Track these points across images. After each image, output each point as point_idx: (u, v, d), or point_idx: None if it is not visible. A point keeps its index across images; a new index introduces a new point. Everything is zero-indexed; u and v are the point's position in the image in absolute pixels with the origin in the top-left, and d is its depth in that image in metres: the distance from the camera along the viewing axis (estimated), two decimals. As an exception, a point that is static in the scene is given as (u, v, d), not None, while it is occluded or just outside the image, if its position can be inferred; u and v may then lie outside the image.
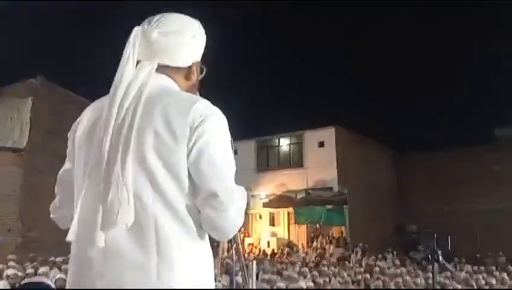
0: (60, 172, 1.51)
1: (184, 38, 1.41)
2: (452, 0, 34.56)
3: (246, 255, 17.51)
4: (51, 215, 1.56)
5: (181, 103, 1.29)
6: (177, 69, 1.43)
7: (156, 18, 1.42)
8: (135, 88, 1.30)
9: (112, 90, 1.32)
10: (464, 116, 31.93)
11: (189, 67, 1.46)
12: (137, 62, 1.37)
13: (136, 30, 1.38)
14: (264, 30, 41.24)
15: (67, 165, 1.48)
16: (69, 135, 1.48)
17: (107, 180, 1.23)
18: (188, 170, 1.26)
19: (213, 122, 1.29)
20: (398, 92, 35.89)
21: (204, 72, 1.55)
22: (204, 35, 1.50)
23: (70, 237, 1.27)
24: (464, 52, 36.46)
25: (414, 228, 22.81)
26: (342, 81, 37.13)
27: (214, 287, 1.33)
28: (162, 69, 1.39)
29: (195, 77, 1.49)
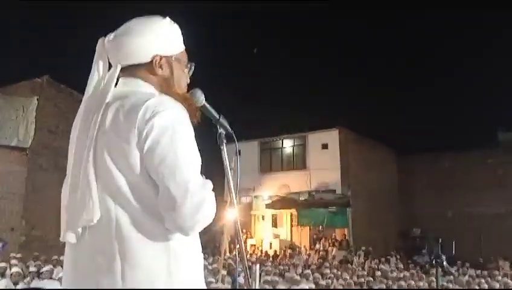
0: None
1: (133, 35, 1.43)
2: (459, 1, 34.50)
3: (248, 256, 17.49)
4: None
5: (132, 103, 1.32)
6: (141, 66, 1.45)
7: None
8: (98, 94, 1.40)
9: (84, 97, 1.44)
10: (468, 120, 31.80)
11: (151, 62, 1.45)
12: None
13: (99, 40, 1.47)
14: (267, 30, 41.25)
15: None
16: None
17: (74, 183, 1.33)
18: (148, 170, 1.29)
19: (164, 118, 1.28)
20: (402, 95, 35.81)
21: (192, 68, 1.56)
22: (169, 29, 1.49)
23: (61, 237, 1.37)
24: (468, 55, 36.37)
25: (418, 232, 22.72)
26: (345, 83, 37.08)
27: (187, 285, 1.31)
28: (129, 70, 1.45)
29: (166, 71, 1.48)
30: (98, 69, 1.44)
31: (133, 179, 1.28)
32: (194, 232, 1.31)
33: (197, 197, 1.25)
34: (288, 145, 23.13)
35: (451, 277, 9.87)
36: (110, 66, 1.47)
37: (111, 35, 1.45)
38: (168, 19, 1.50)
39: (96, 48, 1.46)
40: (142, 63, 1.45)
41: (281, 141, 23.20)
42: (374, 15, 38.54)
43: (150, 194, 1.29)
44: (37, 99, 14.92)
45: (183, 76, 1.54)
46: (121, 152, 1.28)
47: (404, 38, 38.83)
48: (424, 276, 12.13)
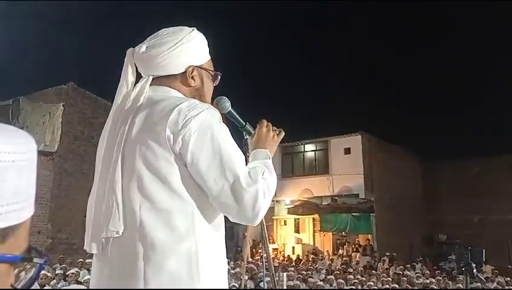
0: None
1: (166, 46, 1.44)
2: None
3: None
4: None
5: (164, 108, 1.32)
6: (173, 77, 1.47)
7: (149, 36, 1.49)
8: (128, 104, 1.39)
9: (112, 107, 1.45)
10: (494, 125, 31.05)
11: (184, 73, 1.47)
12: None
13: (128, 51, 1.47)
14: (292, 35, 41.22)
15: None
16: None
17: (100, 191, 1.34)
18: (182, 172, 1.29)
19: (199, 121, 1.29)
20: (425, 100, 35.27)
21: (218, 77, 1.57)
22: (198, 39, 1.51)
23: (85, 245, 1.39)
24: (494, 59, 35.57)
25: (444, 238, 22.31)
26: (369, 87, 36.73)
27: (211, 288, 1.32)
28: (160, 80, 1.46)
29: (197, 81, 1.50)
30: (126, 80, 1.45)
31: (162, 183, 1.28)
32: (259, 221, 1.35)
33: (252, 192, 1.28)
34: (310, 149, 23.00)
35: (479, 284, 9.63)
36: (138, 75, 1.48)
37: (142, 47, 1.45)
38: (195, 29, 1.52)
39: (126, 58, 1.47)
40: (174, 74, 1.47)
41: (302, 146, 23.09)
42: (396, 21, 38.14)
43: (177, 198, 1.29)
44: (63, 105, 15.24)
45: (210, 85, 1.56)
46: (152, 157, 1.28)
47: (431, 44, 38.28)
48: (450, 283, 11.88)
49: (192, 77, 1.48)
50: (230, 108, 1.60)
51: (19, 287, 0.61)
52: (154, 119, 1.31)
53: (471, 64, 34.86)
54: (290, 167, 23.04)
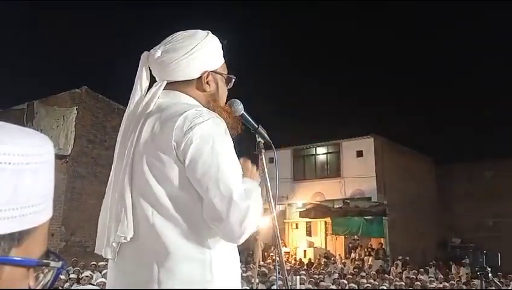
0: None
1: (183, 52, 1.42)
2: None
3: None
4: None
5: (171, 115, 1.32)
6: (188, 82, 1.46)
7: (165, 40, 1.47)
8: (139, 109, 1.40)
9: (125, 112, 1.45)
10: (508, 127, 30.65)
11: (200, 78, 1.47)
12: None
13: (143, 54, 1.46)
14: (301, 37, 41.20)
15: None
16: None
17: (111, 196, 1.35)
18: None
19: (203, 129, 1.27)
20: (438, 101, 34.95)
21: (232, 81, 1.56)
22: (213, 44, 1.50)
23: (96, 249, 1.40)
24: (508, 59, 35.14)
25: (457, 241, 22.04)
26: (380, 89, 36.53)
27: None
28: (174, 85, 1.45)
29: (212, 86, 1.49)
30: (140, 85, 1.44)
31: (171, 189, 1.29)
32: (242, 240, 1.31)
33: (242, 207, 1.24)
34: (321, 152, 22.90)
35: (494, 288, 9.49)
36: (152, 78, 1.48)
37: (158, 52, 1.43)
38: (209, 33, 1.51)
39: (140, 62, 1.46)
40: (189, 79, 1.46)
41: (314, 149, 23.00)
42: (408, 22, 37.92)
43: (188, 203, 1.29)
44: (76, 109, 15.41)
45: (225, 89, 1.55)
46: (158, 163, 1.29)
47: (441, 45, 37.97)
48: (464, 287, 11.72)
49: (207, 82, 1.47)
50: (242, 111, 1.60)
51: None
52: (161, 126, 1.31)
53: (486, 67, 34.47)
54: (301, 170, 22.96)
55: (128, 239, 1.28)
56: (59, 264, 0.62)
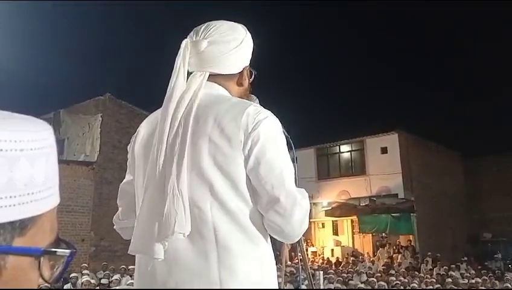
0: (122, 184, 1.59)
1: (231, 46, 1.41)
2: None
3: (310, 263, 17.26)
4: (115, 227, 1.62)
5: (233, 109, 1.29)
6: (229, 76, 1.44)
7: (203, 28, 1.43)
8: (187, 99, 1.33)
9: (164, 102, 1.36)
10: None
11: (240, 73, 1.46)
12: (190, 73, 1.41)
13: (185, 42, 1.41)
14: (324, 35, 40.93)
15: (128, 177, 1.56)
16: (128, 147, 1.55)
17: (162, 191, 1.24)
18: (247, 176, 1.25)
19: (267, 126, 1.27)
20: (465, 94, 34.20)
21: (254, 76, 1.54)
22: (251, 39, 1.49)
23: (130, 249, 1.30)
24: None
25: (488, 236, 21.52)
26: (405, 84, 35.99)
27: None
28: (213, 77, 1.41)
29: (247, 82, 1.50)
30: (184, 73, 1.38)
31: (232, 184, 1.25)
32: (296, 239, 1.34)
33: (305, 207, 1.28)
34: (345, 150, 22.70)
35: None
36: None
37: (203, 42, 1.38)
38: (244, 27, 1.50)
39: (182, 50, 1.39)
40: (232, 73, 1.45)
41: (338, 147, 22.81)
42: (434, 17, 37.26)
43: (246, 199, 1.26)
44: (101, 116, 15.70)
45: (249, 85, 1.55)
46: (221, 159, 1.24)
47: (467, 38, 37.15)
48: (497, 282, 11.43)
49: (244, 78, 1.48)
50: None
51: (50, 281, 0.59)
52: (222, 120, 1.27)
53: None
54: (325, 169, 22.81)
55: (186, 235, 1.21)
56: (67, 252, 0.60)
